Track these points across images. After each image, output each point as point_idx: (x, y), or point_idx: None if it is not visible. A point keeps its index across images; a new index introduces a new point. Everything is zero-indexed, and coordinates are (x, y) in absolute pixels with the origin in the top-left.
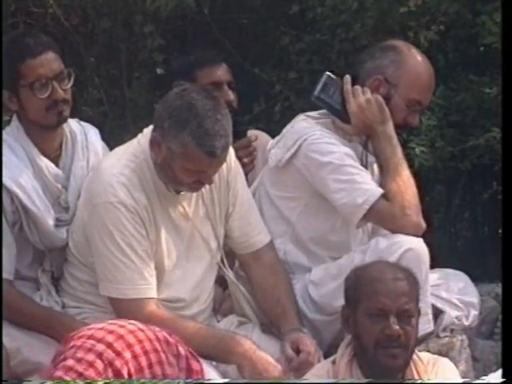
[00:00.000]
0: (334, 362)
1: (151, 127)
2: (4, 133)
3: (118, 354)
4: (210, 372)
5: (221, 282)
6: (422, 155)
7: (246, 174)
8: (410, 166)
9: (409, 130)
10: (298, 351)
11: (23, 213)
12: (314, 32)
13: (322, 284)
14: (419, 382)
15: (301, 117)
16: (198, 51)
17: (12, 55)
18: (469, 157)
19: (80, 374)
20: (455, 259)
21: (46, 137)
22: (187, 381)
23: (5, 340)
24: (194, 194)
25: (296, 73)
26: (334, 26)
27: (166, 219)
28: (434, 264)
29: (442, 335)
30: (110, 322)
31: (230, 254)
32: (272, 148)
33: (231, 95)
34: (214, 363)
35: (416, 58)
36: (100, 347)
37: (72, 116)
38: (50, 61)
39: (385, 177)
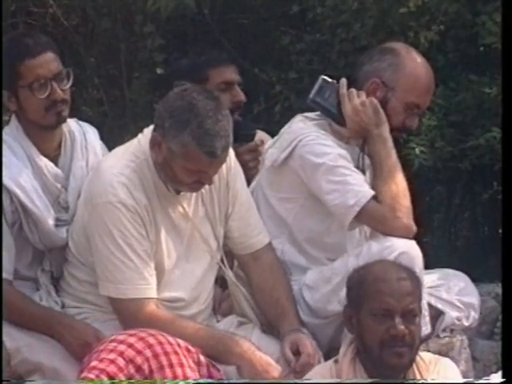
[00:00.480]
0: (336, 361)
1: (151, 127)
2: (3, 133)
3: (139, 352)
4: None
5: (220, 282)
6: (422, 155)
7: (251, 178)
8: (410, 166)
9: (408, 133)
10: (297, 352)
11: (23, 212)
12: (314, 32)
13: (316, 288)
14: (422, 382)
15: (298, 117)
16: (208, 51)
17: (11, 55)
18: (469, 157)
19: (102, 371)
20: (455, 259)
21: (45, 137)
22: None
23: (5, 340)
24: (194, 195)
25: (296, 73)
26: (334, 26)
27: (166, 219)
28: (434, 264)
29: (442, 335)
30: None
31: (229, 254)
32: (269, 148)
33: (243, 95)
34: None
35: (414, 61)
36: (121, 347)
37: (72, 116)
38: (48, 61)
39: (377, 179)
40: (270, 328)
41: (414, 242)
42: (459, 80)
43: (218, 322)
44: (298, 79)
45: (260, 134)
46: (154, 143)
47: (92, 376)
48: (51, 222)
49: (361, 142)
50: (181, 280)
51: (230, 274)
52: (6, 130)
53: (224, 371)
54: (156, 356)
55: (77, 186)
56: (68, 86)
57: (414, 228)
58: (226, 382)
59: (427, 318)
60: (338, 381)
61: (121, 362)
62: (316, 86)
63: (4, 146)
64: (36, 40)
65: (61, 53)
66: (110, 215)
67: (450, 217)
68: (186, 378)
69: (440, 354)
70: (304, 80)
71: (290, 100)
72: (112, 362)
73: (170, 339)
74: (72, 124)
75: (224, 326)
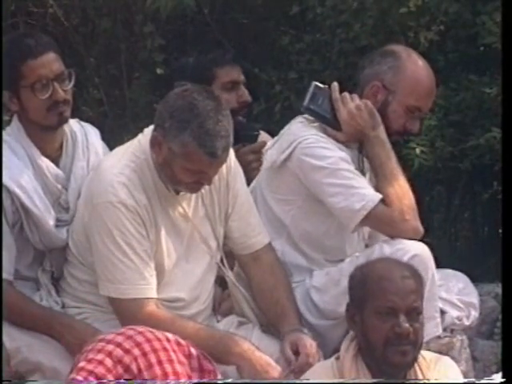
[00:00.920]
0: (337, 358)
1: (152, 127)
2: (4, 133)
3: (127, 351)
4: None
5: (220, 282)
6: (422, 155)
7: (253, 179)
8: (410, 166)
9: (408, 136)
10: (297, 352)
11: (23, 213)
12: (314, 32)
13: (325, 290)
14: (423, 381)
15: (298, 119)
16: (214, 51)
17: (13, 56)
18: (469, 157)
19: (90, 372)
20: (455, 259)
21: (46, 137)
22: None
23: (5, 340)
24: (194, 195)
25: (296, 73)
26: (334, 26)
27: (166, 219)
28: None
29: (442, 335)
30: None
31: (229, 254)
32: (269, 149)
33: (249, 96)
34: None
35: (415, 64)
36: (109, 347)
37: (72, 116)
38: (50, 61)
39: (381, 181)
40: (270, 328)
41: (424, 244)
42: (459, 80)
43: (218, 322)
44: (298, 79)
45: (262, 135)
46: (155, 143)
47: (80, 378)
48: (52, 222)
49: (358, 145)
50: (181, 280)
51: (229, 275)
52: (7, 131)
53: (224, 371)
54: (144, 354)
55: (77, 186)
56: (70, 86)
57: (422, 229)
58: (225, 381)
59: (438, 320)
60: (339, 381)
61: (109, 362)
62: (309, 94)
63: (5, 147)
64: (38, 40)
65: (61, 53)
66: (110, 215)
67: (450, 217)
68: (175, 373)
69: (440, 353)
70: (304, 80)
71: (289, 100)
72: (100, 362)
73: (159, 335)
74: (74, 124)
75: (224, 326)
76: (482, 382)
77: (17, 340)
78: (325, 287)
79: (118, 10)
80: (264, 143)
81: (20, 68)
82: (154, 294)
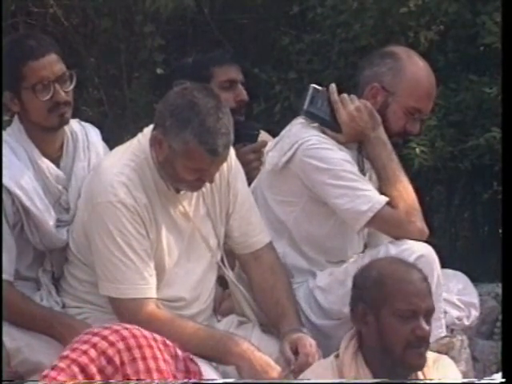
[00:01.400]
0: (337, 356)
1: (151, 127)
2: (5, 134)
3: (112, 344)
4: (210, 373)
5: (221, 281)
6: (422, 155)
7: (254, 178)
8: (410, 166)
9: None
10: (297, 352)
11: (24, 214)
12: (314, 32)
13: (330, 290)
14: (424, 381)
15: (299, 120)
16: (212, 50)
17: (14, 57)
18: (469, 157)
19: (73, 361)
20: (455, 259)
21: (47, 138)
22: (188, 381)
23: (5, 340)
24: (195, 194)
25: (296, 73)
26: (334, 26)
27: (167, 218)
28: None
29: (442, 335)
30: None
31: (230, 253)
32: (269, 151)
33: (246, 95)
34: (214, 364)
35: (415, 65)
36: (95, 339)
37: (72, 116)
38: (52, 63)
39: (385, 183)
40: (270, 328)
41: (428, 245)
42: (459, 80)
43: (218, 321)
44: (298, 79)
45: (263, 135)
46: (155, 142)
47: (63, 365)
48: (52, 223)
49: (357, 145)
50: (182, 279)
51: (229, 274)
52: (7, 131)
53: (224, 371)
54: (129, 349)
55: (78, 186)
56: (71, 87)
57: (427, 230)
58: (225, 381)
59: (443, 321)
60: (339, 380)
61: (93, 353)
62: (307, 97)
63: (6, 147)
64: (39, 42)
65: (62, 54)
66: (109, 215)
67: (450, 217)
68: (159, 370)
69: (440, 353)
70: (304, 80)
71: (289, 100)
72: (84, 352)
73: (146, 333)
74: (74, 125)
75: (224, 326)
76: (482, 382)
77: (17, 340)
78: (329, 287)
79: (118, 10)
80: (264, 143)
81: (21, 69)
82: (154, 293)
